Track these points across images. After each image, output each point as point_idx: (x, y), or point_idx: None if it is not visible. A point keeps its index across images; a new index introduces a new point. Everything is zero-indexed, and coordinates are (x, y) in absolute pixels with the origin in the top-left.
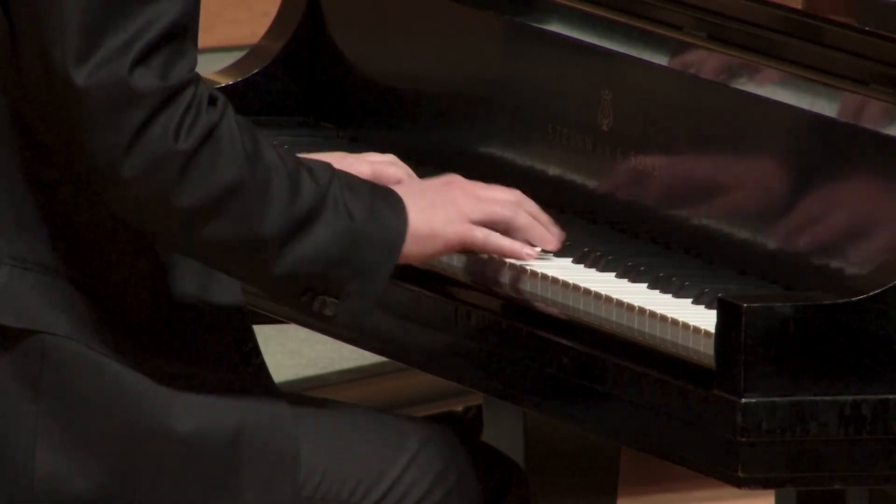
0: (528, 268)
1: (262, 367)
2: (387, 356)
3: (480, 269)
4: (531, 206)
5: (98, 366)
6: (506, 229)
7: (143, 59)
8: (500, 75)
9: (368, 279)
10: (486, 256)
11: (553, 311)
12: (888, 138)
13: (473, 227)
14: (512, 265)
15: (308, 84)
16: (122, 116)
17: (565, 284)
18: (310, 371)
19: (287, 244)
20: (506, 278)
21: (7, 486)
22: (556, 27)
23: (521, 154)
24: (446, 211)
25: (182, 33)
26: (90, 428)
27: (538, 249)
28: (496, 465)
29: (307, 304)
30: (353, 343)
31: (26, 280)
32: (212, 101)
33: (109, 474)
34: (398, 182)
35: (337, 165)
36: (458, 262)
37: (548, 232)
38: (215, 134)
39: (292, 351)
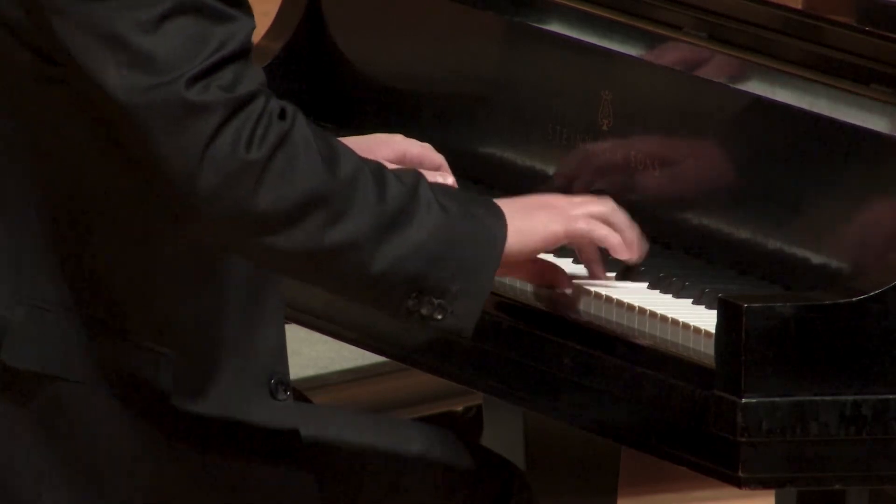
0: None
1: (288, 403)
2: (387, 356)
3: None
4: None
5: (112, 412)
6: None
7: (204, 74)
8: (500, 75)
9: (473, 277)
10: None
11: (553, 310)
12: (888, 138)
13: (576, 217)
14: None
15: (308, 84)
16: (189, 131)
17: None
18: (310, 371)
19: (381, 244)
20: (505, 279)
21: None
22: (556, 27)
23: (521, 154)
24: (546, 211)
25: (248, 52)
26: (98, 474)
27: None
28: (498, 471)
29: (414, 308)
30: (354, 343)
31: (45, 321)
32: (282, 113)
33: None
34: (439, 166)
35: (375, 145)
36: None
37: (636, 239)
38: (288, 141)
39: (292, 351)
